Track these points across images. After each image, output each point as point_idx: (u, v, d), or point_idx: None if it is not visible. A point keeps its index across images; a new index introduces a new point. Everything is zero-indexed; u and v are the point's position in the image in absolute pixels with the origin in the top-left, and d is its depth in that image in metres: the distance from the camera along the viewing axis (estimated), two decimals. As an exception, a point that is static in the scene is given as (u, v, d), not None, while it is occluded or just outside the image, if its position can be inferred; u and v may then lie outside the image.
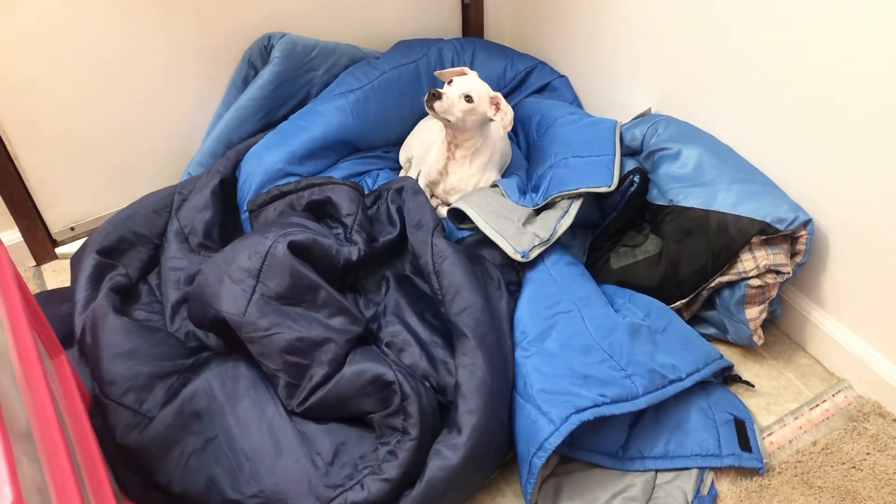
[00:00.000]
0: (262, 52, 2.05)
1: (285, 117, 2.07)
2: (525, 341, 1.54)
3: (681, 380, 1.52)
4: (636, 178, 1.80)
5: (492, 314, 1.52)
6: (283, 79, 2.03)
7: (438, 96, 1.73)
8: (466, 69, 1.86)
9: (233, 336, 1.49)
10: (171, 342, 1.59)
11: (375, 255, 1.69)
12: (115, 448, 1.39)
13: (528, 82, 2.32)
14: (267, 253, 1.47)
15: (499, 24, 2.48)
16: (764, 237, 1.57)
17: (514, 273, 1.74)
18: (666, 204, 1.73)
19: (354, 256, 1.60)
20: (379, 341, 1.55)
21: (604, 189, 1.74)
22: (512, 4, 2.45)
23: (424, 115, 2.14)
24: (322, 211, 1.73)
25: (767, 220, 1.55)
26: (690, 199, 1.67)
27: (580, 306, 1.59)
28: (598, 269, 1.83)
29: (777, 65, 1.58)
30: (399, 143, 2.18)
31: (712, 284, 1.65)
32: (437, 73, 1.90)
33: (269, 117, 2.07)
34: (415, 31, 2.31)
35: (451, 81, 1.81)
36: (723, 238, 1.60)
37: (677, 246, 1.68)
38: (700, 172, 1.69)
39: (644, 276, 1.75)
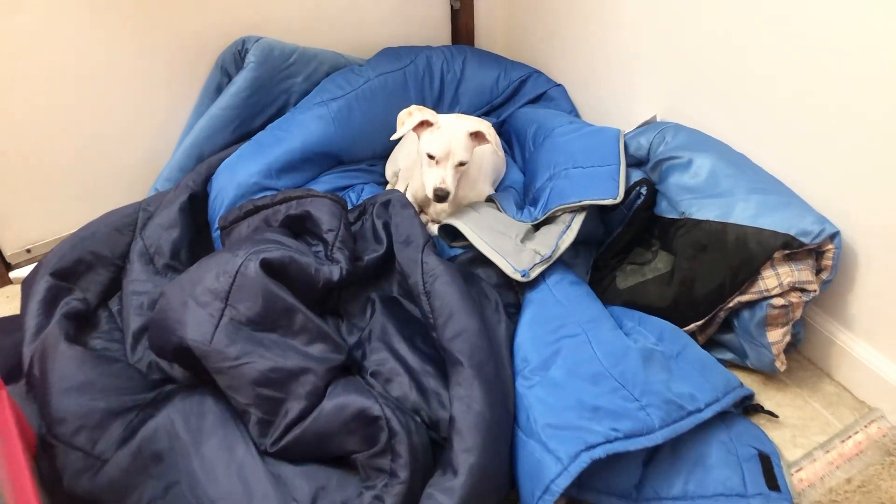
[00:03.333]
0: (235, 57, 1.93)
1: (262, 127, 1.95)
2: (527, 370, 1.41)
3: (700, 411, 1.39)
4: (643, 190, 1.68)
5: (489, 339, 1.39)
6: (258, 85, 1.91)
7: (447, 193, 1.64)
8: (427, 112, 1.67)
9: (200, 367, 1.35)
10: (131, 374, 1.45)
11: (359, 274, 1.57)
12: (63, 496, 1.24)
13: (522, 92, 2.22)
14: (237, 272, 1.34)
15: (490, 31, 2.39)
16: (787, 252, 1.46)
17: (513, 294, 1.61)
18: (677, 217, 1.61)
19: (336, 276, 1.47)
20: (363, 371, 1.41)
21: (609, 201, 1.62)
22: (505, 10, 2.35)
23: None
24: (301, 227, 1.60)
25: (791, 233, 1.44)
26: (705, 211, 1.56)
27: (587, 330, 1.47)
28: (603, 290, 1.71)
29: (795, 65, 1.48)
30: (385, 155, 2.07)
31: (730, 305, 1.53)
32: (394, 135, 1.69)
33: (243, 127, 1.94)
34: (401, 38, 2.21)
35: (424, 125, 1.67)
36: (742, 253, 1.48)
37: (691, 263, 1.57)
38: (714, 182, 1.58)
39: (654, 296, 1.63)
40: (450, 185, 1.64)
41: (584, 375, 1.38)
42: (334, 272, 1.48)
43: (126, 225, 1.77)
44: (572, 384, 1.36)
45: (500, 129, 2.17)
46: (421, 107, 1.68)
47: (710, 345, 1.65)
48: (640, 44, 1.89)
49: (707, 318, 1.57)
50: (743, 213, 1.50)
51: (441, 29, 2.33)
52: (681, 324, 1.59)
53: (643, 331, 1.56)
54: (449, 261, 1.54)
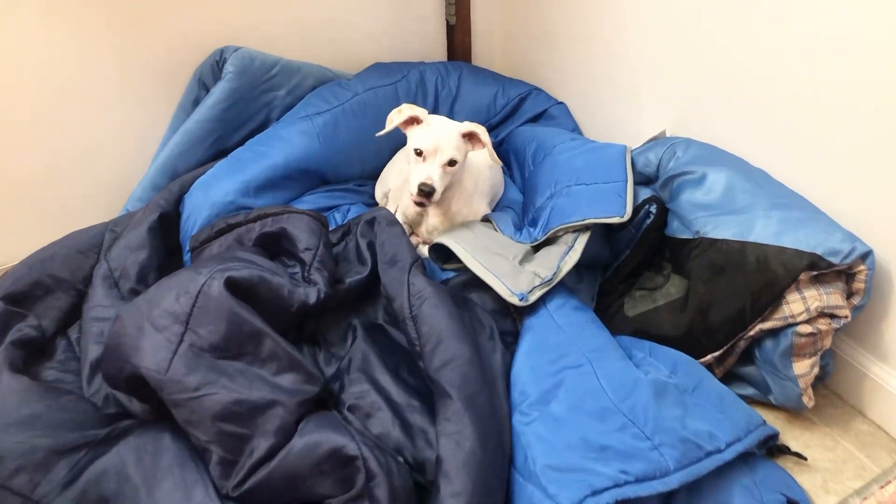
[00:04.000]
0: (213, 68, 1.83)
1: (241, 143, 1.84)
2: (525, 404, 1.28)
3: (720, 451, 1.25)
4: (653, 209, 1.56)
5: (483, 369, 1.26)
6: (237, 97, 1.80)
7: (432, 191, 1.52)
8: (416, 108, 1.60)
9: (158, 399, 1.22)
10: (83, 408, 1.32)
11: (340, 299, 1.44)
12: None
13: (521, 109, 2.12)
14: (199, 292, 1.21)
15: (488, 47, 2.30)
16: (814, 273, 1.34)
17: (510, 321, 1.48)
18: (691, 237, 1.49)
19: (312, 299, 1.34)
20: (340, 405, 1.28)
21: (615, 220, 1.50)
22: (503, 26, 2.26)
23: (403, 144, 1.91)
24: (276, 246, 1.48)
25: (818, 252, 1.31)
26: (721, 229, 1.43)
27: (592, 360, 1.33)
28: (609, 318, 1.58)
29: (818, 69, 1.38)
30: (375, 175, 1.96)
31: (751, 333, 1.40)
32: (381, 133, 1.61)
33: (221, 143, 1.84)
34: (393, 54, 2.12)
35: (413, 122, 1.59)
36: (764, 275, 1.35)
37: (707, 287, 1.44)
38: (731, 198, 1.46)
39: (667, 324, 1.50)
40: (436, 182, 1.53)
41: (590, 410, 1.25)
42: (310, 295, 1.35)
43: (90, 247, 1.66)
44: (576, 420, 1.23)
45: (499, 148, 2.06)
46: (412, 104, 1.57)
47: (728, 378, 1.51)
48: (645, 57, 1.79)
49: (725, 348, 1.44)
50: (764, 230, 1.38)
51: (435, 45, 2.24)
52: (696, 355, 1.46)
53: (655, 362, 1.43)
54: (440, 284, 1.41)
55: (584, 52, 2.00)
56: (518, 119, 2.10)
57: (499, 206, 1.84)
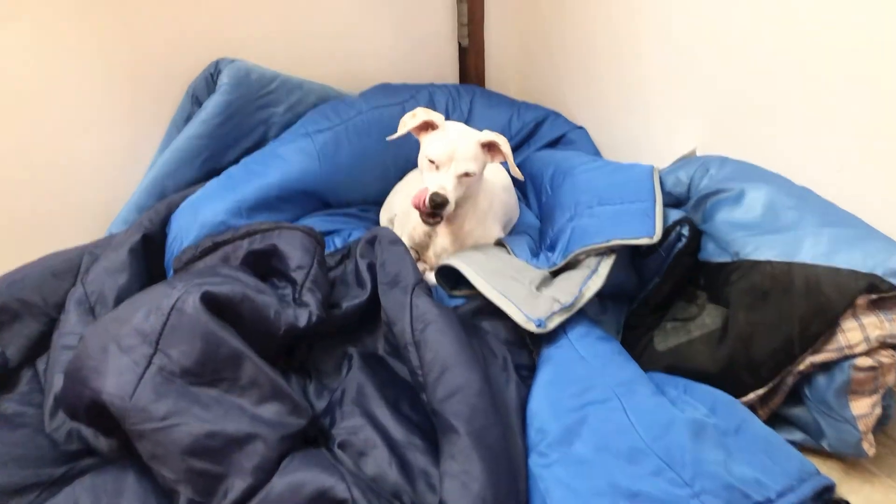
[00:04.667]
0: (208, 82, 1.74)
1: (235, 162, 1.74)
2: (543, 443, 1.13)
3: (770, 501, 1.09)
4: (685, 230, 1.43)
5: (494, 401, 1.11)
6: (231, 112, 1.70)
7: (445, 202, 1.40)
8: (433, 113, 1.49)
9: (127, 434, 1.08)
10: (39, 444, 1.19)
11: (335, 325, 1.31)
12: None
13: (538, 134, 2.01)
14: (171, 309, 1.08)
15: (502, 71, 2.21)
16: (873, 297, 1.19)
17: (527, 354, 1.34)
18: (729, 260, 1.35)
19: (303, 322, 1.21)
20: (330, 440, 1.13)
21: (644, 241, 1.37)
22: (518, 49, 2.18)
23: (411, 167, 1.79)
24: (265, 265, 1.35)
25: (878, 273, 1.18)
26: (764, 249, 1.30)
27: (621, 394, 1.18)
28: (638, 354, 1.43)
29: (864, 73, 1.25)
30: (380, 201, 1.84)
31: (800, 367, 1.25)
32: (392, 136, 1.52)
33: (213, 161, 1.73)
34: (401, 76, 2.03)
35: (427, 128, 1.48)
36: (814, 300, 1.21)
37: (749, 315, 1.29)
38: (774, 216, 1.33)
39: (703, 358, 1.35)
40: (450, 193, 1.41)
41: (618, 451, 1.10)
42: (300, 317, 1.22)
43: (66, 270, 1.53)
44: (603, 462, 1.08)
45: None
46: (427, 108, 1.46)
47: (773, 422, 1.35)
48: (671, 74, 1.70)
49: (770, 385, 1.29)
50: (813, 249, 1.24)
51: (447, 68, 2.15)
52: (737, 393, 1.31)
53: (691, 401, 1.27)
54: (447, 307, 1.28)
55: (604, 73, 1.91)
56: (534, 144, 2.00)
57: (513, 231, 1.71)
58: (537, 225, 1.73)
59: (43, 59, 1.62)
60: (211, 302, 1.10)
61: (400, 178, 1.83)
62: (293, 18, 1.86)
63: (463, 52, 2.13)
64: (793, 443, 1.30)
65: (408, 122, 1.48)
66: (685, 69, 1.66)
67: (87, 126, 1.71)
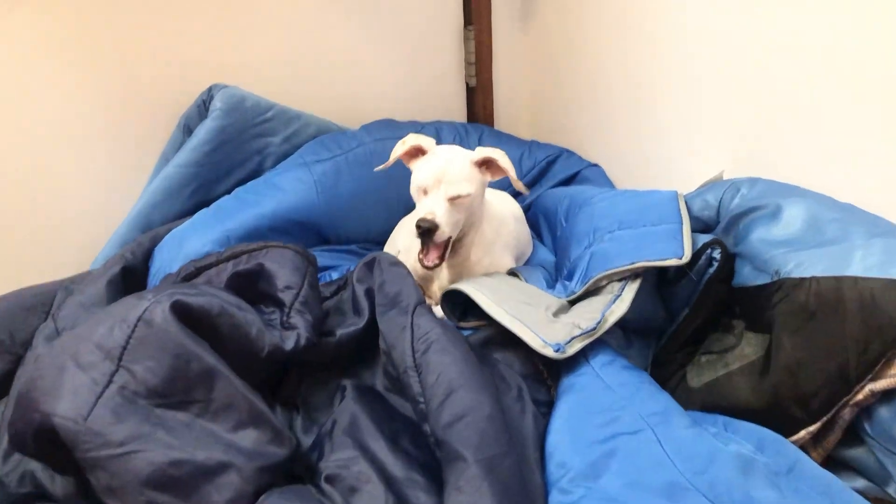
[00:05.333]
0: (200, 110, 1.66)
1: (227, 194, 1.63)
2: (565, 479, 0.99)
3: (836, 553, 0.93)
4: (716, 254, 1.31)
5: (507, 428, 0.97)
6: (224, 139, 1.62)
7: (434, 227, 1.29)
8: (422, 138, 1.40)
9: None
10: (-12, 487, 1.04)
11: (328, 355, 1.18)
12: None
13: (551, 173, 1.93)
14: (138, 320, 0.96)
15: (512, 112, 2.15)
16: (941, 312, 1.05)
17: (544, 390, 1.21)
18: (769, 281, 1.23)
19: (289, 345, 1.08)
20: (317, 475, 0.98)
21: (672, 262, 1.25)
22: (529, 88, 2.11)
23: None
24: (252, 289, 1.22)
25: (945, 284, 1.04)
26: (808, 265, 1.17)
27: (653, 424, 1.05)
28: (669, 392, 1.27)
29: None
30: (382, 241, 1.73)
31: (859, 397, 1.10)
32: (380, 167, 1.45)
33: (203, 192, 1.64)
34: (406, 115, 1.96)
35: (418, 154, 1.40)
36: (871, 318, 1.08)
37: (795, 339, 1.16)
38: (816, 230, 1.21)
39: (744, 392, 1.21)
40: (440, 217, 1.29)
41: (654, 486, 0.95)
42: (287, 339, 1.09)
43: (38, 304, 1.42)
44: (636, 499, 0.94)
45: (526, 213, 1.84)
46: (419, 134, 1.37)
47: (829, 465, 1.18)
48: (688, 105, 1.62)
49: (824, 419, 1.13)
50: (864, 261, 1.11)
51: (454, 108, 2.09)
52: (785, 431, 1.16)
53: (734, 437, 1.12)
54: (452, 326, 1.15)
55: (619, 109, 1.83)
56: (546, 183, 1.90)
57: (526, 264, 1.59)
58: (552, 260, 1.62)
59: (29, 90, 1.56)
60: (183, 312, 0.98)
61: (404, 213, 1.74)
62: (296, 53, 1.82)
63: (471, 91, 2.07)
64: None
65: (398, 150, 1.40)
66: (705, 99, 1.58)
67: (72, 160, 1.64)
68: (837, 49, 1.28)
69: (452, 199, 1.32)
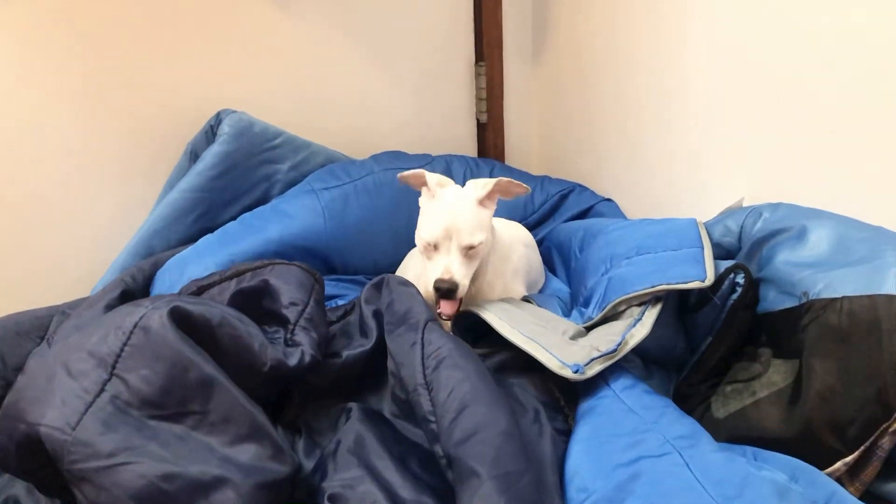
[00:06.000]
0: (207, 135, 1.65)
1: (231, 220, 1.60)
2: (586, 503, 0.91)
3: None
4: (740, 278, 1.26)
5: (524, 446, 0.91)
6: (230, 164, 1.60)
7: (454, 287, 1.24)
8: (429, 174, 1.36)
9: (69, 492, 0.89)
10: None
11: (333, 377, 1.13)
12: None
13: (563, 207, 1.90)
14: (134, 327, 0.92)
15: (523, 148, 2.14)
16: (984, 332, 1.00)
17: (562, 418, 1.15)
18: (797, 304, 1.18)
19: (293, 361, 1.04)
20: (319, 494, 0.92)
21: (695, 285, 1.21)
22: (540, 124, 2.10)
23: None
24: (256, 308, 1.18)
25: None
26: (839, 284, 1.12)
27: (680, 448, 0.99)
28: (692, 425, 1.22)
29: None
30: (390, 272, 1.68)
31: (897, 425, 1.03)
32: (405, 173, 1.40)
33: (208, 219, 1.61)
34: (415, 150, 1.93)
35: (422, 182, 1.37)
36: (909, 338, 1.02)
37: (827, 363, 1.10)
38: (845, 250, 1.17)
39: (774, 421, 1.15)
40: (457, 274, 1.24)
41: (683, 512, 0.88)
42: (291, 356, 1.04)
43: (33, 328, 1.39)
44: (664, 524, 0.86)
45: (539, 247, 1.80)
46: (436, 174, 1.36)
47: (867, 501, 1.11)
48: (705, 137, 1.59)
49: (861, 448, 1.07)
50: (900, 278, 1.07)
51: (464, 144, 2.08)
52: (819, 463, 1.09)
53: (766, 465, 1.06)
54: (464, 342, 1.10)
55: (633, 144, 1.81)
56: (559, 218, 1.87)
57: (541, 293, 1.55)
58: (567, 290, 1.57)
59: (37, 118, 1.56)
60: (182, 320, 0.94)
61: (412, 243, 1.70)
62: (307, 86, 1.82)
63: (481, 127, 2.06)
64: (895, 528, 1.07)
65: (417, 171, 1.36)
66: (718, 132, 1.56)
67: (78, 187, 1.62)
68: (857, 73, 1.26)
69: (465, 250, 1.27)
